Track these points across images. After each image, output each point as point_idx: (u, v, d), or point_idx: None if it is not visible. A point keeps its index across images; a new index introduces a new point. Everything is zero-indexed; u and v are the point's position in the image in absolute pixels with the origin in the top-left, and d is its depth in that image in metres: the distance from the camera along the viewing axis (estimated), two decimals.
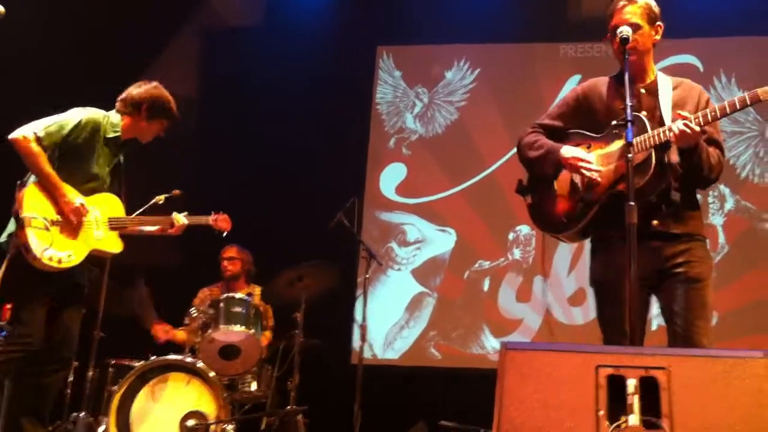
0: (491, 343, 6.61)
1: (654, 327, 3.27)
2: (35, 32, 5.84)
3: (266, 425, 5.17)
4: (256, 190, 6.69)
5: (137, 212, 4.28)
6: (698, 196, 3.17)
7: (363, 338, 5.46)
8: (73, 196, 3.78)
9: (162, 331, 5.51)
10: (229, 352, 4.99)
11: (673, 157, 2.98)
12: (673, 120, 2.95)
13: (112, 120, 4.02)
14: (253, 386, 5.20)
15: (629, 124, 2.80)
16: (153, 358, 4.74)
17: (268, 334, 5.61)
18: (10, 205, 3.74)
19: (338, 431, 5.25)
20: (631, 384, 2.13)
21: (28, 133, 3.73)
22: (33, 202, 3.71)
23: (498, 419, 2.18)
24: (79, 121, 3.86)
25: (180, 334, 5.54)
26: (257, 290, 5.82)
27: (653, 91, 3.15)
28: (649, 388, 2.13)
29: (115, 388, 4.63)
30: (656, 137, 2.92)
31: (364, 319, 5.50)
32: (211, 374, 4.66)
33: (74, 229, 3.79)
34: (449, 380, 6.34)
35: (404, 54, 7.50)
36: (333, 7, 7.30)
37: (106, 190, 4.01)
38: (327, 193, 6.19)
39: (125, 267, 4.52)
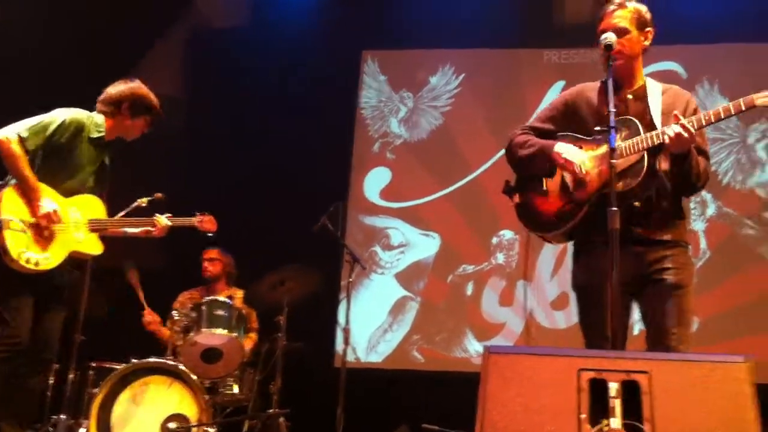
0: (474, 347, 6.62)
1: (636, 332, 3.28)
2: (34, 32, 5.82)
3: (248, 428, 5.16)
4: (239, 192, 6.67)
5: (119, 214, 4.25)
6: (682, 203, 3.18)
7: (346, 341, 5.46)
8: (47, 201, 3.74)
9: (151, 319, 5.49)
10: (211, 355, 4.96)
11: (663, 164, 3.00)
12: (665, 123, 2.96)
13: (96, 120, 3.99)
14: (235, 389, 5.18)
15: (612, 131, 2.81)
16: (134, 360, 4.71)
17: (253, 336, 5.60)
18: None
19: None
20: (613, 388, 2.14)
21: (11, 134, 3.70)
22: (11, 205, 3.67)
23: (481, 423, 2.18)
24: (63, 121, 3.83)
25: (165, 331, 5.52)
26: (238, 293, 5.79)
27: (642, 96, 3.15)
28: (631, 392, 2.14)
29: (96, 390, 4.60)
30: (650, 140, 2.92)
31: (347, 322, 5.50)
32: (193, 377, 4.64)
33: (53, 232, 3.76)
34: (432, 384, 6.34)
35: (389, 59, 7.51)
36: (318, 11, 7.29)
37: (88, 191, 3.98)
38: (311, 196, 6.18)
39: (106, 269, 4.49)
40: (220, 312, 5.05)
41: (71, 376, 4.65)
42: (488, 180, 6.86)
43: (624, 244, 2.73)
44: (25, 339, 3.67)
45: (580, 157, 3.06)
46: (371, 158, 7.28)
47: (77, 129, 3.88)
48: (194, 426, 4.52)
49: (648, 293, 3.03)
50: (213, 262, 5.83)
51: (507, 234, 6.79)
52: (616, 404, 2.11)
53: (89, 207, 3.96)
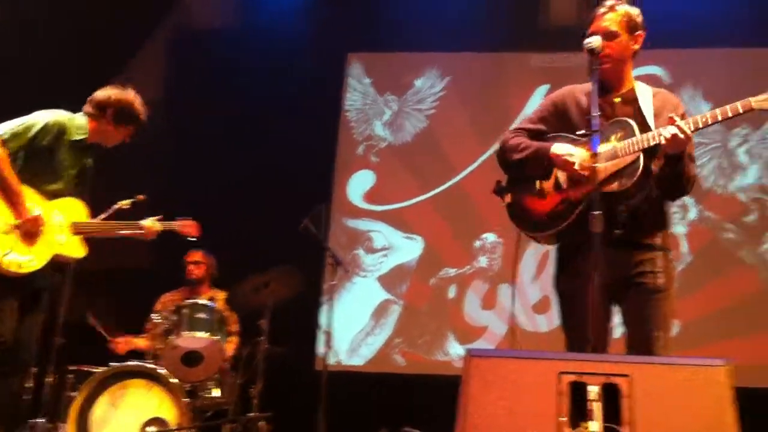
0: (456, 350, 6.62)
1: (617, 335, 3.28)
2: (20, 32, 5.78)
3: None
4: (222, 193, 6.64)
5: (100, 216, 4.23)
6: (665, 208, 3.18)
7: (328, 344, 5.44)
8: (31, 204, 3.71)
9: (122, 345, 5.45)
10: (191, 358, 4.93)
11: (653, 167, 2.99)
12: (657, 126, 2.96)
13: (77, 122, 3.97)
14: (216, 393, 5.15)
15: (595, 135, 2.81)
16: (113, 364, 4.67)
17: (234, 339, 5.57)
18: None
19: None
20: (593, 391, 2.14)
21: None
22: None
23: (462, 426, 2.18)
24: (46, 124, 3.81)
25: (141, 342, 5.47)
26: (220, 295, 5.77)
27: (630, 99, 3.14)
28: (612, 396, 2.14)
29: (75, 394, 4.56)
30: (646, 141, 2.92)
31: (329, 325, 5.48)
32: (173, 380, 4.61)
33: (36, 234, 3.73)
34: (414, 387, 6.34)
35: (374, 61, 7.51)
36: (304, 13, 7.28)
37: (70, 193, 3.96)
38: (294, 198, 6.16)
39: (86, 272, 4.45)
40: (202, 315, 5.03)
41: (50, 379, 4.61)
42: (472, 183, 6.87)
43: (606, 247, 2.73)
44: (10, 340, 3.65)
45: (579, 156, 3.02)
46: (355, 161, 7.27)
47: (59, 131, 3.86)
48: (174, 429, 4.50)
49: (630, 296, 3.03)
50: (198, 265, 5.81)
51: (490, 237, 6.80)
52: (596, 407, 2.11)
53: (71, 209, 3.94)
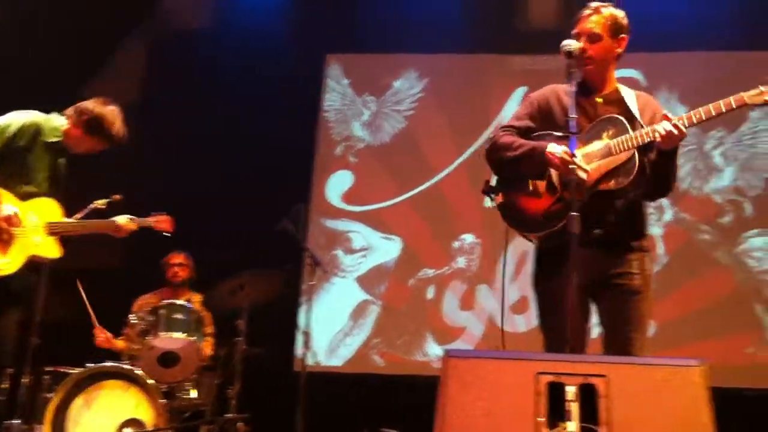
0: (435, 351, 6.62)
1: (595, 335, 3.30)
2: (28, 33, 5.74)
3: None
4: (199, 194, 6.60)
5: (76, 216, 4.21)
6: (643, 209, 3.20)
7: (306, 345, 5.43)
8: (6, 205, 3.68)
9: (103, 339, 5.41)
10: (168, 359, 4.90)
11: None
12: (651, 123, 2.97)
13: (53, 124, 3.97)
14: (193, 394, 5.13)
15: (573, 137, 2.83)
16: (90, 365, 4.63)
17: (210, 340, 5.54)
18: None
19: None
20: (570, 391, 2.15)
21: None
22: None
23: (440, 427, 2.18)
24: (22, 125, 3.81)
25: (119, 344, 5.44)
26: (197, 297, 5.74)
27: (613, 100, 3.15)
28: (589, 396, 2.15)
29: (51, 395, 4.53)
30: (641, 138, 2.93)
31: (307, 326, 5.46)
32: (150, 381, 4.58)
33: (12, 236, 3.70)
34: (392, 387, 6.34)
35: (353, 62, 7.50)
36: (283, 14, 7.26)
37: (44, 194, 3.93)
38: (273, 199, 6.14)
39: (61, 272, 4.42)
40: (179, 316, 5.00)
41: (26, 380, 4.56)
42: (450, 184, 6.88)
43: (585, 248, 2.75)
44: None
45: (575, 156, 2.95)
46: (334, 161, 7.26)
47: (35, 132, 3.86)
48: (151, 431, 4.46)
49: (608, 297, 3.05)
50: (183, 267, 5.79)
51: (468, 238, 6.82)
52: (573, 407, 2.12)
53: (46, 210, 3.92)
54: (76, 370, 4.59)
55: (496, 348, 6.40)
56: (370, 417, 5.62)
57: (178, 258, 5.79)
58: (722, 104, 2.84)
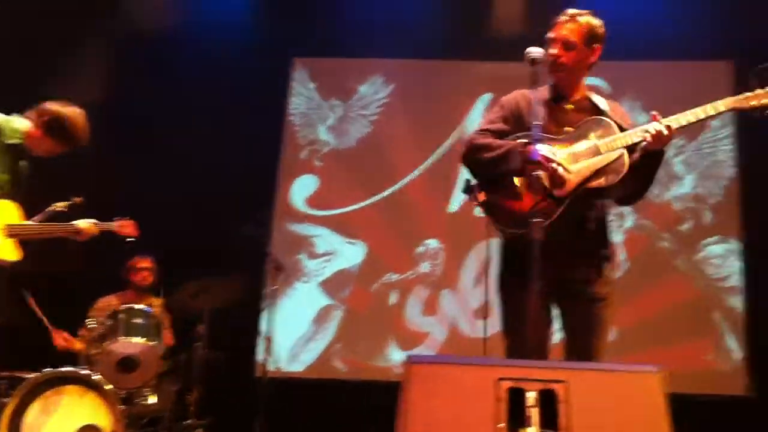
0: (397, 356, 6.61)
1: (557, 340, 3.32)
2: None
3: None
4: (162, 197, 6.52)
5: (35, 219, 4.14)
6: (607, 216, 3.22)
7: (268, 351, 5.39)
8: None
9: (62, 338, 5.32)
10: (127, 364, 4.83)
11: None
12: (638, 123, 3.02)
13: (13, 125, 3.91)
14: (152, 399, 5.06)
15: (536, 143, 2.85)
16: (46, 370, 4.55)
17: (170, 330, 5.48)
18: None
19: None
20: (531, 397, 2.16)
21: None
22: None
23: None
24: None
25: (78, 344, 5.35)
26: (158, 301, 5.67)
27: (584, 108, 3.17)
28: (549, 402, 2.16)
29: (7, 400, 4.42)
30: (630, 138, 2.96)
31: (269, 331, 5.43)
32: (108, 387, 4.51)
33: None
34: (354, 393, 6.32)
35: (319, 66, 7.48)
36: (249, 17, 7.21)
37: (3, 196, 3.87)
38: (237, 202, 6.09)
39: (16, 274, 4.34)
40: (138, 320, 4.93)
41: None
42: (414, 189, 6.89)
43: (549, 253, 2.76)
44: None
45: (558, 156, 3.01)
46: (299, 165, 7.22)
47: None
48: None
49: (571, 303, 3.07)
50: (150, 271, 5.74)
51: (432, 243, 6.83)
52: (534, 413, 2.13)
53: (5, 212, 3.87)
54: (33, 375, 4.51)
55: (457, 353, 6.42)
56: (332, 423, 5.60)
57: (144, 262, 5.73)
58: (710, 108, 2.90)
